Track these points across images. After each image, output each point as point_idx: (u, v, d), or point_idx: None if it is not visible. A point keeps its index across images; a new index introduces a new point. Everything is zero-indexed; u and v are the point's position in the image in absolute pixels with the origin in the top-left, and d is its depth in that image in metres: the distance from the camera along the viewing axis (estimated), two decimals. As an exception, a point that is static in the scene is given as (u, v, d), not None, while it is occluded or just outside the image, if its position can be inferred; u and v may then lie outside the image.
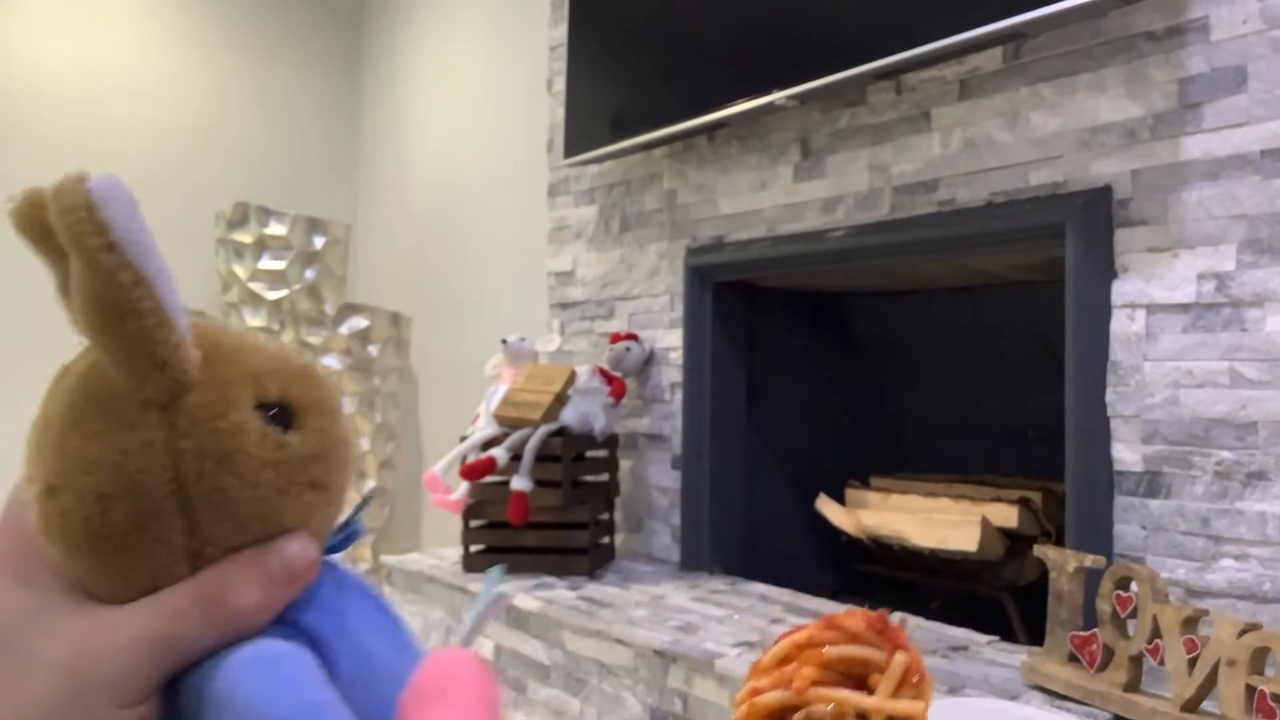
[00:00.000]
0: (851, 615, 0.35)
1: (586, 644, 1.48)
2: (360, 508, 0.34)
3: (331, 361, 2.68)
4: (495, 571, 0.36)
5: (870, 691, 0.33)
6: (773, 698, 0.34)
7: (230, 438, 0.28)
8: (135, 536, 0.28)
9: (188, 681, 0.28)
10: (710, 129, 1.77)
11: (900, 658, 0.34)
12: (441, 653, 0.30)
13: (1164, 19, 1.19)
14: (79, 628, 0.28)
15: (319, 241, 2.76)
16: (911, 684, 0.34)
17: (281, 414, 0.30)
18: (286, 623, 0.30)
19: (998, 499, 1.54)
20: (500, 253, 2.70)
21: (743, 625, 1.46)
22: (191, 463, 0.28)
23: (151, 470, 0.28)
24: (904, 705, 0.33)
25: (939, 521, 1.57)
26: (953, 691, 1.12)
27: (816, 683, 0.34)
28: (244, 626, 0.29)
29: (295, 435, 0.30)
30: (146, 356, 0.27)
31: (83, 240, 0.26)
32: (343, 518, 0.33)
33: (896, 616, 0.36)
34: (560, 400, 1.83)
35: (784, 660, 0.35)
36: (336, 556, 0.33)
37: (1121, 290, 1.23)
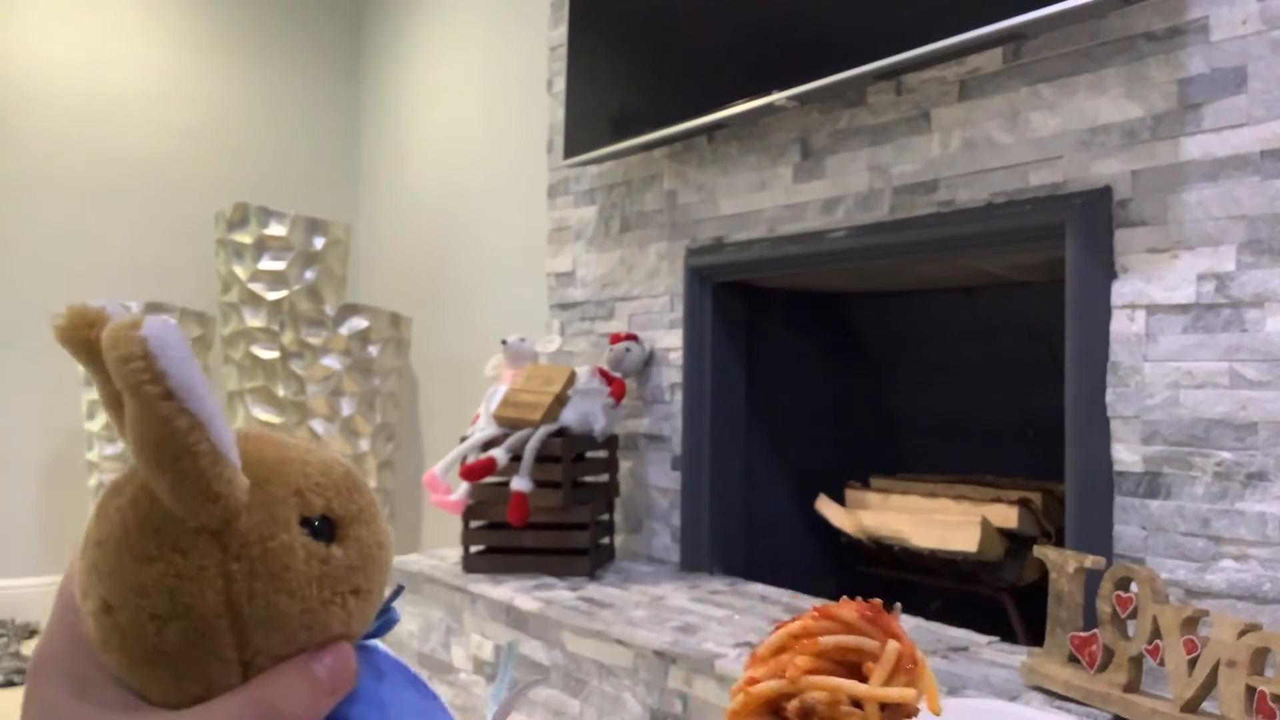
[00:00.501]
0: (845, 605, 0.36)
1: (586, 644, 1.48)
2: (394, 597, 0.36)
3: (331, 362, 2.68)
4: (510, 649, 0.37)
5: (864, 679, 0.34)
6: (768, 687, 0.34)
7: (280, 557, 0.30)
8: (190, 653, 0.29)
9: None
10: (710, 129, 1.77)
11: (893, 646, 0.34)
12: None
13: (1164, 19, 1.19)
14: None
15: (319, 242, 2.76)
16: (906, 671, 0.34)
17: (325, 526, 0.31)
18: (333, 718, 0.31)
19: (998, 499, 1.54)
20: (500, 253, 2.70)
21: (743, 626, 1.46)
22: (243, 583, 0.29)
23: (205, 594, 0.29)
24: (896, 692, 0.33)
25: (939, 522, 1.57)
26: (953, 692, 1.12)
27: (811, 671, 0.34)
28: None
29: (338, 547, 0.31)
30: (201, 492, 0.28)
31: (141, 389, 0.27)
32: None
33: (890, 606, 0.36)
34: (560, 401, 1.83)
35: (779, 650, 0.36)
36: (375, 641, 0.35)
37: (1121, 291, 1.23)
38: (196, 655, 0.29)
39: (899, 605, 0.37)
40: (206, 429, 0.28)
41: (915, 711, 0.34)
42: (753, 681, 0.35)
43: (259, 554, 0.30)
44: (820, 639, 0.35)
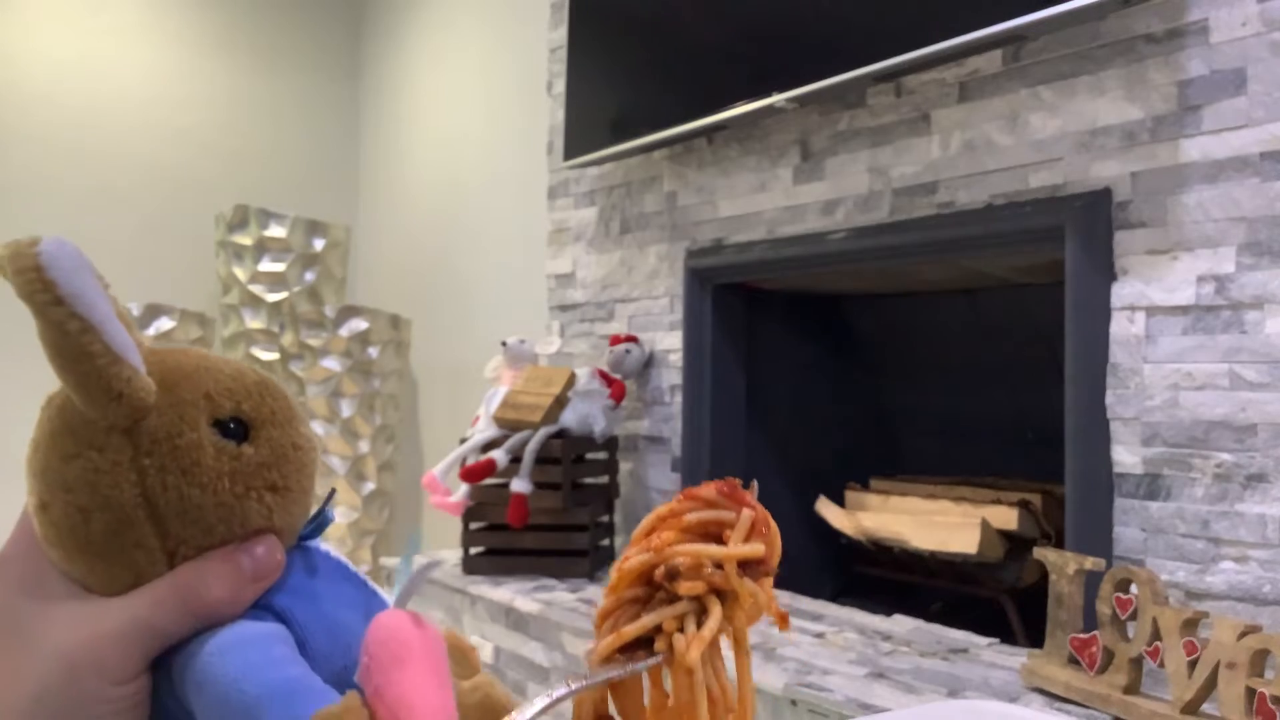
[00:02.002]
0: (705, 486, 0.39)
1: (586, 646, 1.48)
2: (327, 501, 0.38)
3: (331, 363, 2.68)
4: (414, 541, 0.41)
5: (723, 545, 0.38)
6: (637, 561, 0.37)
7: (188, 453, 0.33)
8: (115, 542, 0.32)
9: (174, 664, 0.32)
10: (710, 131, 1.77)
11: (747, 513, 0.38)
12: (386, 619, 0.33)
13: (1163, 21, 1.19)
14: (74, 618, 0.32)
15: (319, 244, 2.76)
16: (759, 535, 0.38)
17: (238, 428, 0.34)
18: (260, 606, 0.34)
19: (997, 501, 1.54)
20: (500, 255, 2.70)
21: (742, 627, 1.46)
22: (155, 477, 0.32)
23: (120, 486, 0.32)
24: (746, 548, 0.37)
25: (939, 524, 1.57)
26: (952, 694, 1.12)
27: (676, 544, 0.38)
28: (218, 615, 0.32)
29: (250, 446, 0.34)
30: (103, 391, 0.31)
31: (33, 297, 0.30)
32: (313, 511, 0.37)
33: (747, 485, 0.40)
34: (560, 402, 1.83)
35: (649, 532, 0.39)
36: (316, 541, 0.38)
37: (1121, 292, 1.23)
38: (121, 545, 0.32)
39: (755, 482, 0.40)
40: (98, 331, 0.31)
41: (771, 569, 0.38)
42: (627, 559, 0.38)
43: (168, 450, 0.32)
44: (685, 516, 0.38)
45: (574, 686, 0.35)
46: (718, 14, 1.71)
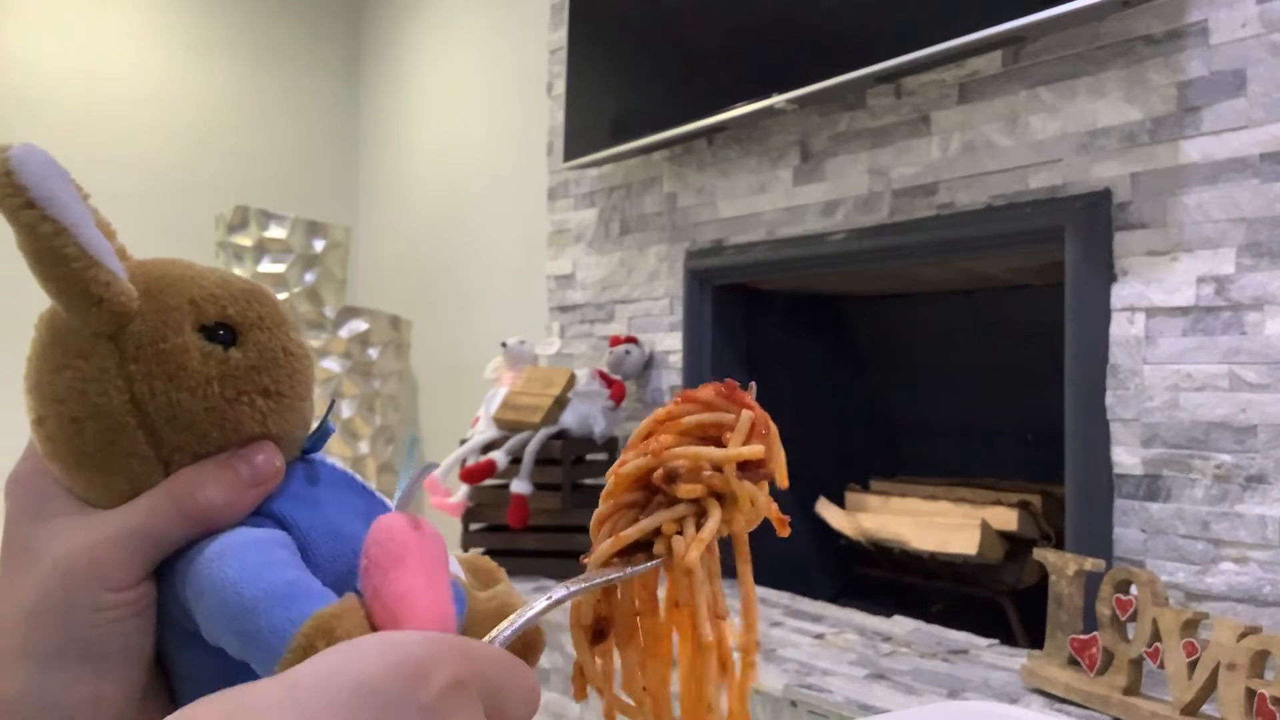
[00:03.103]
0: (704, 388, 0.39)
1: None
2: (328, 412, 0.38)
3: (331, 364, 2.68)
4: (411, 445, 0.38)
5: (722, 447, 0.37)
6: (634, 465, 0.37)
7: (173, 357, 0.32)
8: (108, 451, 0.32)
9: (176, 569, 0.32)
10: (710, 132, 1.77)
11: (746, 415, 0.38)
12: (385, 522, 0.33)
13: (1163, 23, 1.19)
14: (73, 528, 0.32)
15: (319, 245, 2.76)
16: (759, 436, 0.37)
17: (226, 333, 0.33)
18: (261, 514, 0.33)
19: (997, 502, 1.54)
20: (500, 256, 2.70)
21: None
22: (143, 383, 0.32)
23: (108, 393, 0.32)
24: (746, 450, 0.37)
25: (939, 525, 1.57)
26: (953, 695, 1.12)
27: (674, 447, 0.37)
28: (215, 520, 0.32)
29: (237, 350, 0.33)
30: (81, 295, 0.31)
31: (4, 202, 0.29)
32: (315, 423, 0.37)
33: (745, 386, 0.40)
34: (560, 403, 1.83)
35: (647, 436, 0.38)
36: (321, 455, 0.37)
37: (1121, 293, 1.23)
38: (115, 453, 0.32)
39: (753, 384, 0.40)
40: (72, 234, 0.30)
41: (771, 472, 0.37)
42: (624, 463, 0.38)
43: (153, 355, 0.32)
44: (683, 419, 0.38)
45: (572, 589, 0.35)
46: (718, 15, 1.71)
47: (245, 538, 0.32)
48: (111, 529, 0.32)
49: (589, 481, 1.91)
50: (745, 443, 0.37)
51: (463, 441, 1.88)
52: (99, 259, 0.31)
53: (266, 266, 2.69)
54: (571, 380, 1.86)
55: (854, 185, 1.57)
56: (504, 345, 2.08)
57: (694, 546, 0.35)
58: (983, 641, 1.35)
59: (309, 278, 2.73)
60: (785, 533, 0.38)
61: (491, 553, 1.83)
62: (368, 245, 3.42)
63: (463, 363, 2.83)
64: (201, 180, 3.19)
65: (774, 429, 0.38)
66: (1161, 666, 1.00)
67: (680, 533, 0.36)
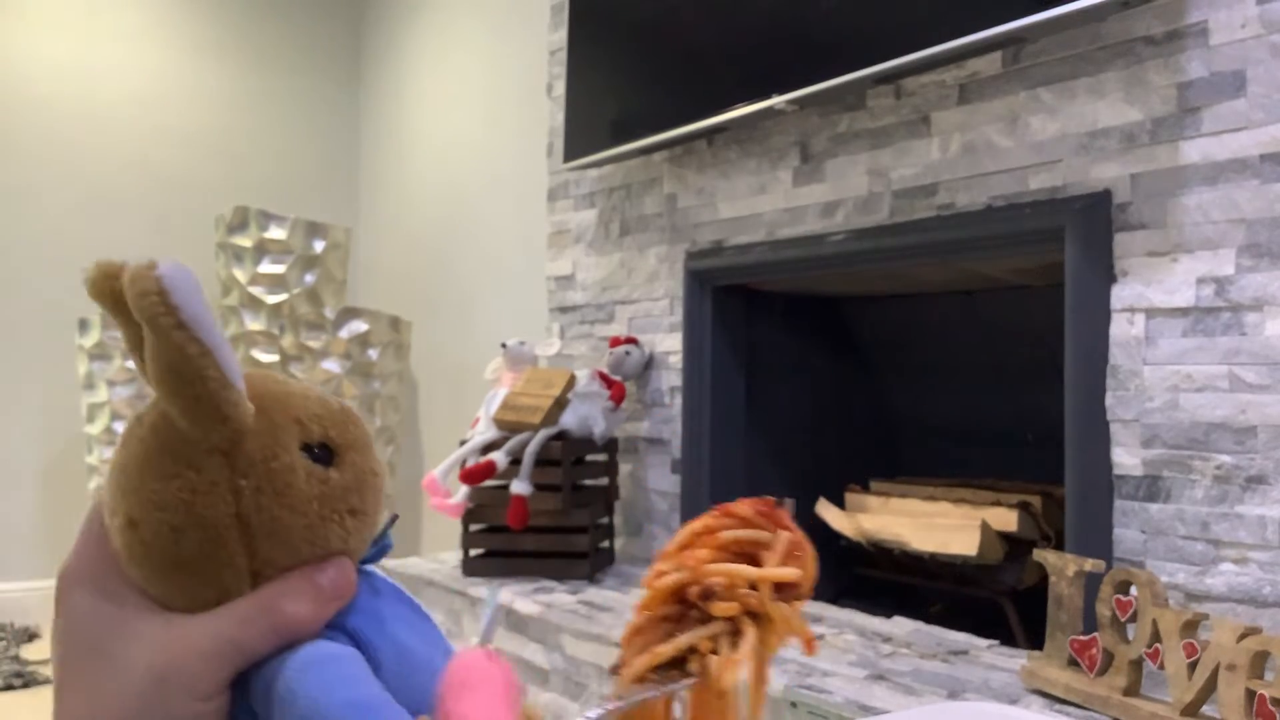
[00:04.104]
0: (742, 503, 0.39)
1: (586, 648, 1.48)
2: (388, 526, 0.40)
3: (331, 365, 2.68)
4: (492, 591, 0.41)
5: (760, 567, 0.37)
6: (672, 579, 0.37)
7: (282, 475, 0.34)
8: (205, 561, 0.33)
9: (254, 680, 0.33)
10: (710, 133, 1.77)
11: (784, 535, 0.38)
12: (466, 652, 0.35)
13: (1163, 24, 1.19)
14: (161, 635, 0.33)
15: (319, 245, 2.76)
16: (795, 558, 0.38)
17: (324, 452, 0.35)
18: (334, 627, 0.35)
19: (997, 503, 1.54)
20: (500, 256, 2.70)
21: (742, 629, 1.46)
22: (250, 498, 0.33)
23: (216, 505, 0.33)
24: (784, 571, 0.37)
25: (939, 525, 1.57)
26: (953, 696, 1.12)
27: (711, 562, 0.37)
28: (299, 632, 0.33)
29: (335, 471, 0.35)
30: (212, 413, 0.33)
31: (157, 320, 0.31)
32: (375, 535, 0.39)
33: (782, 502, 0.40)
34: (560, 404, 1.83)
35: (684, 547, 0.39)
36: (372, 566, 0.39)
37: (1121, 294, 1.23)
38: (211, 563, 0.33)
39: (790, 500, 0.40)
40: (215, 355, 0.32)
41: (806, 592, 0.38)
42: (660, 574, 0.38)
43: (264, 472, 0.33)
44: (720, 534, 0.38)
45: (610, 707, 0.35)
46: (718, 16, 1.71)
47: (325, 651, 0.33)
48: (204, 638, 0.32)
49: (589, 482, 1.91)
50: (782, 564, 0.37)
51: (462, 442, 1.88)
52: (233, 381, 0.33)
53: (266, 267, 2.69)
54: (571, 381, 1.86)
55: (854, 186, 1.57)
56: (504, 346, 2.08)
57: (730, 667, 0.35)
58: (982, 642, 1.35)
59: (309, 279, 2.73)
60: (812, 654, 0.39)
61: (491, 554, 1.83)
62: (368, 246, 3.43)
63: (463, 363, 2.83)
64: (201, 181, 3.19)
65: (810, 550, 0.39)
66: (1161, 667, 1.00)
67: (715, 651, 0.36)
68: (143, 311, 0.31)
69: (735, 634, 0.36)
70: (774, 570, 0.37)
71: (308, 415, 0.35)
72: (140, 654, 0.32)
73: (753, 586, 0.36)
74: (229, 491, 0.33)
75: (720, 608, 0.36)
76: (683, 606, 0.37)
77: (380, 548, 0.39)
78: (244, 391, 0.33)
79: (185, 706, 0.32)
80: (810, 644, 0.38)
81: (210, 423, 0.33)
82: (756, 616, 0.37)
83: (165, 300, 0.31)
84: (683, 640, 0.36)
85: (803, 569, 0.38)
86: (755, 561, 0.37)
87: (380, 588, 0.38)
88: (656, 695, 0.36)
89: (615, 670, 0.38)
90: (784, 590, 0.37)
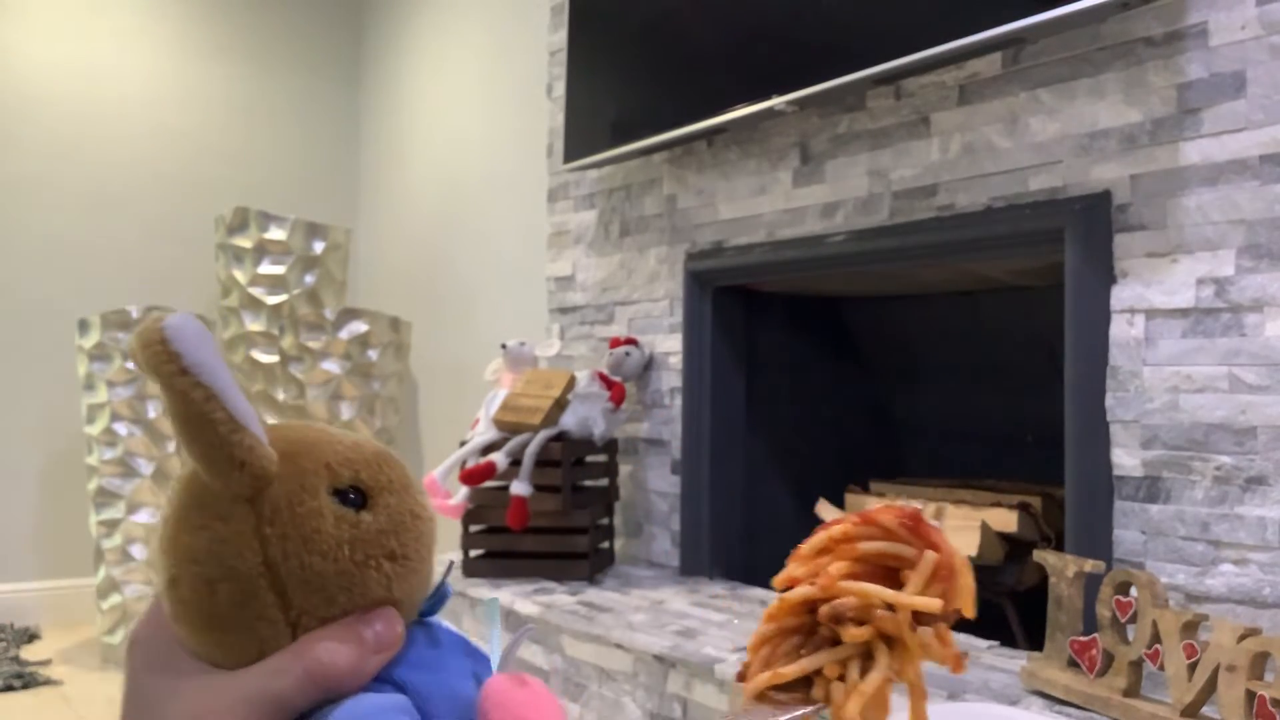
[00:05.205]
0: (886, 511, 0.36)
1: (586, 649, 1.48)
2: (446, 574, 0.39)
3: (331, 366, 2.68)
4: (492, 604, 0.39)
5: (901, 585, 0.34)
6: (800, 593, 0.35)
7: (309, 520, 0.33)
8: (239, 613, 0.33)
9: None
10: (710, 134, 1.77)
11: (930, 555, 0.35)
12: (496, 684, 0.34)
13: (1163, 25, 1.19)
14: (199, 691, 0.32)
15: (319, 246, 2.76)
16: (941, 580, 0.35)
17: (357, 496, 0.34)
18: (383, 680, 0.34)
19: (997, 504, 1.54)
20: (500, 257, 2.70)
21: (742, 630, 1.46)
22: (277, 545, 0.33)
23: (244, 555, 0.33)
24: (922, 600, 0.34)
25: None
26: (952, 697, 1.12)
27: (847, 576, 0.35)
28: (339, 684, 0.32)
29: (368, 514, 0.34)
30: (226, 459, 0.32)
31: (159, 368, 0.31)
32: (434, 585, 0.38)
33: (931, 511, 0.37)
34: (560, 405, 1.83)
35: (822, 552, 0.37)
36: (436, 618, 0.38)
37: (1121, 295, 1.23)
38: (246, 616, 0.33)
39: (945, 509, 0.38)
40: (221, 399, 0.31)
41: (951, 617, 0.35)
42: (792, 580, 0.36)
43: (289, 518, 0.33)
44: (859, 544, 0.36)
45: None
46: (717, 17, 1.71)
47: (370, 704, 0.32)
48: (241, 691, 0.32)
49: (589, 483, 1.91)
50: (925, 586, 0.35)
51: (462, 443, 1.88)
52: (244, 424, 0.32)
53: (266, 268, 2.69)
54: (571, 382, 1.86)
55: (854, 187, 1.57)
56: (504, 347, 2.08)
57: (854, 699, 0.34)
58: (982, 643, 1.35)
59: (309, 279, 2.73)
60: (959, 672, 0.36)
61: (491, 554, 1.83)
62: (368, 247, 3.43)
63: (463, 364, 2.83)
64: (201, 182, 3.19)
65: (960, 569, 0.36)
66: (1161, 668, 0.99)
67: (844, 676, 0.34)
68: (147, 363, 0.31)
69: (867, 658, 0.34)
70: (911, 597, 0.34)
71: (337, 459, 0.35)
72: (180, 711, 0.32)
73: (890, 607, 0.34)
74: (255, 540, 0.33)
75: (851, 633, 0.34)
76: (812, 618, 0.35)
77: (439, 596, 0.37)
78: (260, 436, 0.33)
79: None
80: (956, 662, 0.35)
81: (226, 468, 0.32)
82: (893, 640, 0.34)
83: (167, 349, 0.31)
84: (807, 663, 0.34)
85: (953, 594, 0.35)
86: (895, 578, 0.35)
87: (442, 639, 0.37)
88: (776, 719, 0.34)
89: (741, 678, 0.36)
90: (927, 614, 0.34)
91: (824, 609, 0.34)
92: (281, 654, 0.33)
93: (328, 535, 0.33)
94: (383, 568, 0.34)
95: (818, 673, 0.34)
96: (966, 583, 0.35)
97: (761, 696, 0.35)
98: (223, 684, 0.32)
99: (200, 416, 0.31)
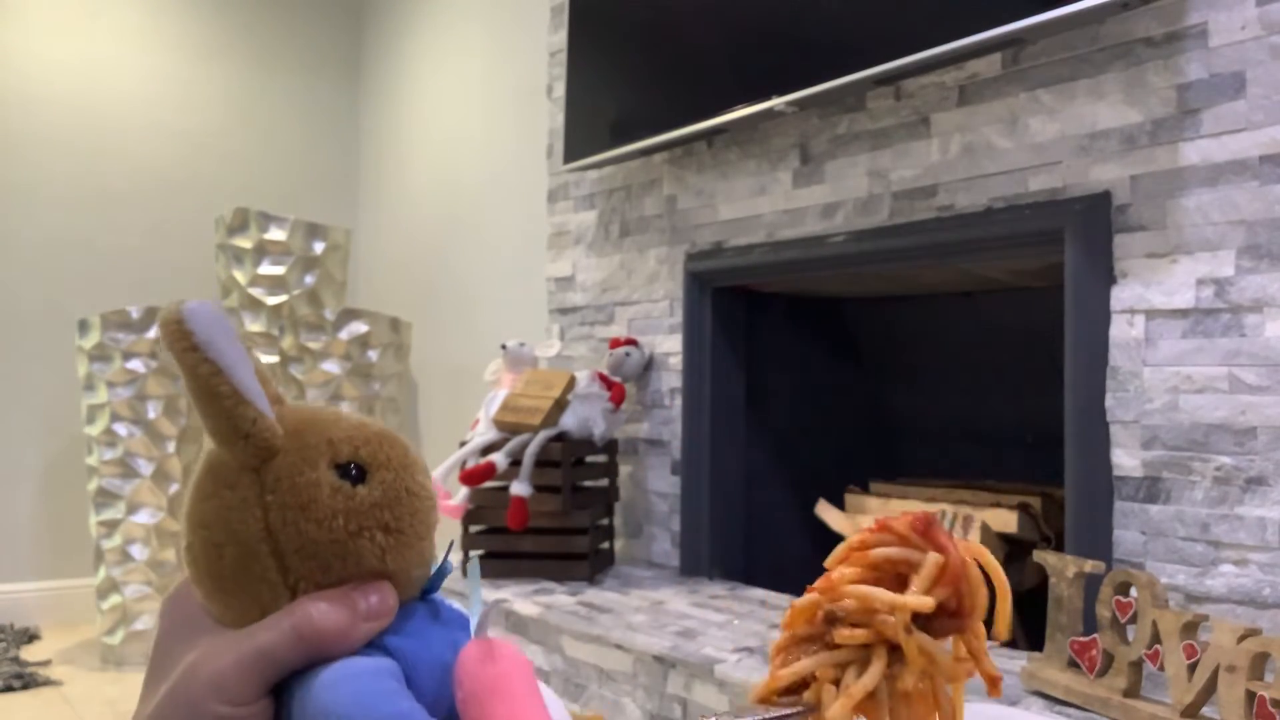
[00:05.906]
0: (901, 517, 0.37)
1: (586, 649, 1.48)
2: (447, 553, 0.41)
3: (331, 367, 2.68)
4: (474, 569, 0.41)
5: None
6: (806, 599, 0.36)
7: (306, 490, 0.35)
8: (243, 576, 0.35)
9: (292, 690, 0.34)
10: (710, 134, 1.77)
11: (933, 557, 0.35)
12: (473, 652, 0.35)
13: (1162, 25, 1.19)
14: (206, 645, 0.35)
15: (319, 247, 2.75)
16: (947, 583, 0.35)
17: (357, 471, 0.36)
18: (375, 645, 0.36)
19: (997, 504, 1.54)
20: (500, 258, 2.70)
21: (742, 630, 1.46)
22: (277, 512, 0.35)
23: (247, 521, 0.35)
24: (915, 600, 0.34)
25: (938, 527, 1.56)
26: (952, 697, 1.12)
27: (858, 582, 0.35)
28: (329, 646, 0.34)
29: (364, 487, 0.36)
30: (231, 430, 0.35)
31: (173, 344, 0.34)
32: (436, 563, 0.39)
33: (944, 515, 0.37)
34: (560, 405, 1.83)
35: (840, 561, 0.38)
36: (440, 596, 0.40)
37: (1121, 296, 1.23)
38: (248, 579, 0.35)
39: (958, 515, 0.37)
40: (227, 375, 0.34)
41: (966, 626, 0.35)
42: (809, 590, 0.37)
43: (288, 487, 0.35)
44: (872, 551, 0.36)
45: None
46: (717, 17, 1.71)
47: (358, 666, 0.34)
48: (236, 648, 0.34)
49: (589, 484, 1.91)
50: (930, 588, 0.34)
51: (462, 444, 1.88)
52: (248, 399, 0.35)
53: (266, 269, 2.69)
54: (571, 382, 1.86)
55: (854, 187, 1.57)
56: (504, 347, 2.08)
57: (841, 701, 0.33)
58: (983, 644, 1.35)
59: (309, 280, 2.72)
60: (996, 695, 0.35)
61: (491, 555, 1.83)
62: (368, 247, 3.43)
63: (462, 365, 2.83)
64: (201, 182, 3.19)
65: (975, 573, 0.35)
66: (1161, 669, 0.99)
67: (842, 680, 0.34)
68: (165, 341, 0.34)
69: (870, 663, 0.34)
70: (904, 597, 0.34)
71: (340, 436, 0.37)
72: (187, 663, 0.34)
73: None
74: (258, 507, 0.35)
75: (844, 634, 0.34)
76: (826, 625, 0.36)
77: (439, 574, 0.39)
78: (267, 412, 0.35)
79: (215, 709, 0.33)
80: (992, 682, 0.35)
81: (232, 439, 0.35)
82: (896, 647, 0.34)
83: (181, 327, 0.33)
84: (799, 666, 0.35)
85: (962, 594, 0.34)
86: (908, 583, 0.35)
87: (445, 616, 0.38)
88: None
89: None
90: (941, 620, 0.34)
91: (820, 612, 0.35)
92: (277, 615, 0.35)
93: (323, 505, 0.35)
94: (376, 539, 0.36)
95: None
96: (978, 586, 0.35)
97: (764, 701, 0.35)
98: (226, 642, 0.34)
99: (207, 389, 0.34)
